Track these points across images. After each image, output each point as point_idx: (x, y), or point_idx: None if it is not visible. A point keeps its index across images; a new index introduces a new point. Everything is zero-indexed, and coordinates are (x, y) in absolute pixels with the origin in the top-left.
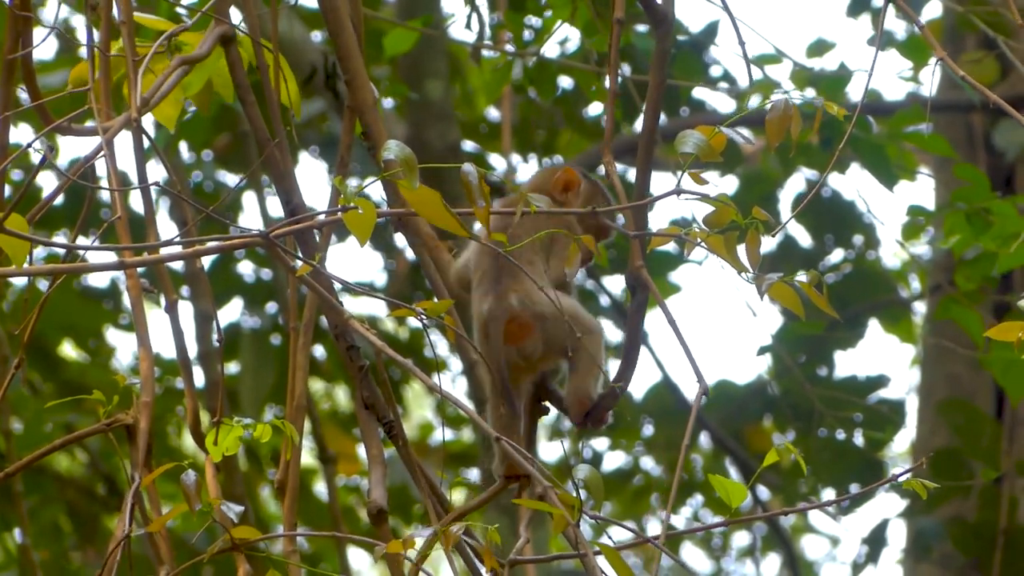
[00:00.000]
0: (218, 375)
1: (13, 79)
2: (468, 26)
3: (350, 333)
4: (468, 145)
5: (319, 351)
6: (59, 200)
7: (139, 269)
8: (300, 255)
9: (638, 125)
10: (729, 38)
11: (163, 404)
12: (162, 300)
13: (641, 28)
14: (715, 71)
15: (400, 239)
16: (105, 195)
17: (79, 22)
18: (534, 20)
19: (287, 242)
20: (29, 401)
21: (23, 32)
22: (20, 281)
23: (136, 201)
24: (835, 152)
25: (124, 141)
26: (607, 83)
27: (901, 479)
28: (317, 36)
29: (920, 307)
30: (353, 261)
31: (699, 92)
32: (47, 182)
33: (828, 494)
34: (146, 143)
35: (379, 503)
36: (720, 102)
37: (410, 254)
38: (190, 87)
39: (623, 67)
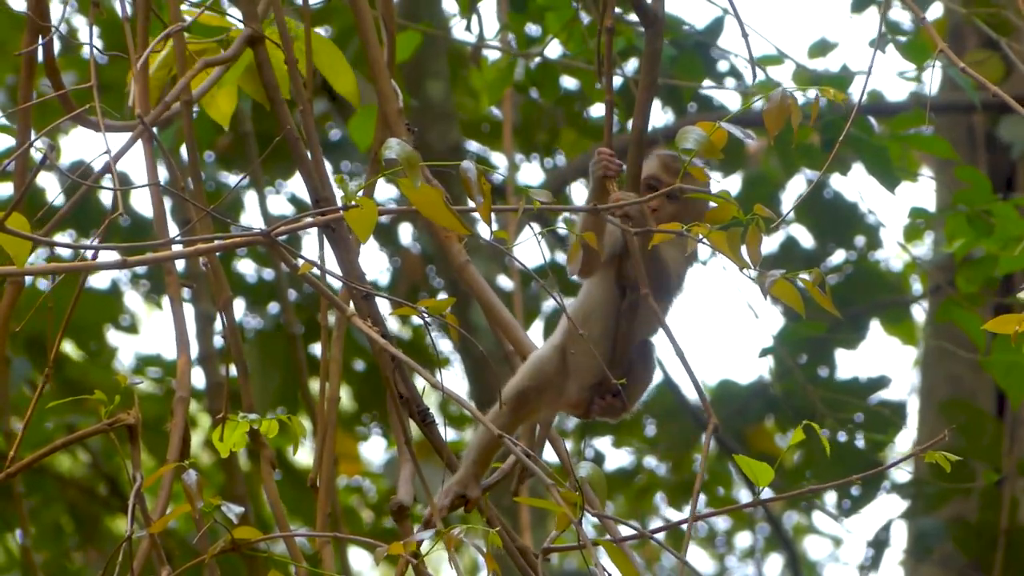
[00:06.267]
0: (221, 377)
1: (33, 76)
2: (468, 28)
3: (383, 324)
4: (470, 145)
5: (318, 350)
6: (60, 200)
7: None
8: (303, 255)
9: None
10: (734, 36)
11: (165, 404)
12: (164, 301)
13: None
14: (722, 66)
15: (406, 235)
16: (107, 196)
17: (80, 23)
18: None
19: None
20: (30, 401)
21: (42, 32)
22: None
23: (143, 203)
24: (835, 146)
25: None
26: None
27: (899, 467)
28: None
29: (922, 308)
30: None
31: (706, 88)
32: (47, 182)
33: (830, 496)
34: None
35: (400, 500)
36: (727, 98)
37: (416, 251)
38: (223, 84)
39: (624, 67)
